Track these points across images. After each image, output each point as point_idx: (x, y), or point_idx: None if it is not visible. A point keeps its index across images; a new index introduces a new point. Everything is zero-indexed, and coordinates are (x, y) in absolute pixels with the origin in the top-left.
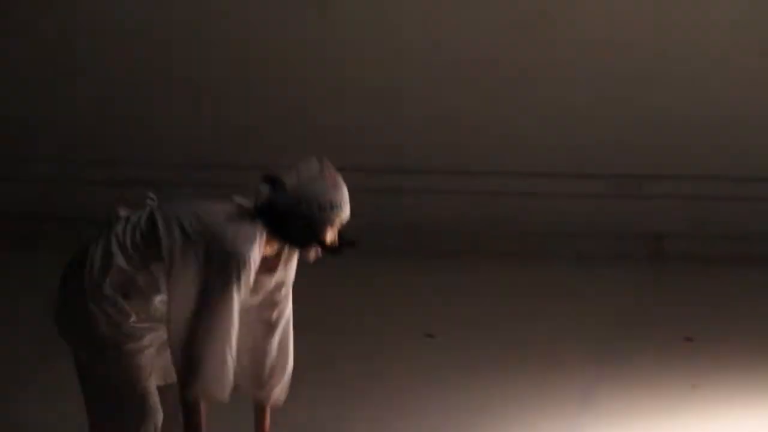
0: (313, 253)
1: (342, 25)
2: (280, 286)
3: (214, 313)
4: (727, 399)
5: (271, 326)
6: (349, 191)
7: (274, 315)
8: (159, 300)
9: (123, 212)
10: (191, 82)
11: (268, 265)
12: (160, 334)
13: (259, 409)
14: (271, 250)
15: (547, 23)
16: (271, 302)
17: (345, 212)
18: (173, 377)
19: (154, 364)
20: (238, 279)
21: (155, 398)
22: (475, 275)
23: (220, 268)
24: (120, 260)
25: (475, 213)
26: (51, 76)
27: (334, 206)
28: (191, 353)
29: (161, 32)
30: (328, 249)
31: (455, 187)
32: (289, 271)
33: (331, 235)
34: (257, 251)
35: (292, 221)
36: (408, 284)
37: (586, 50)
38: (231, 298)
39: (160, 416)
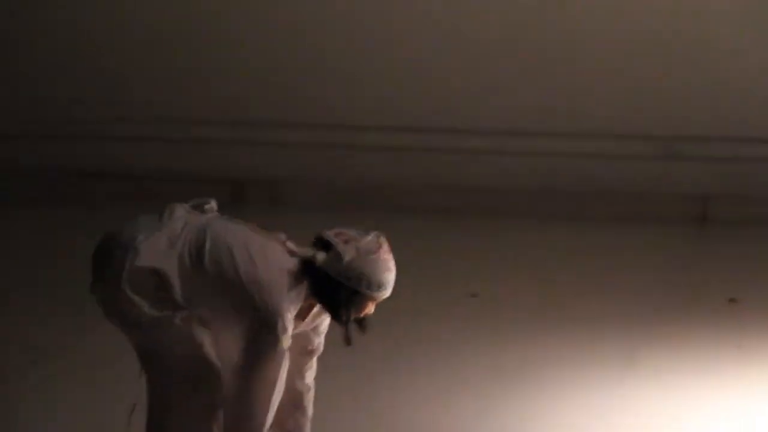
0: (344, 324)
1: None
2: (305, 350)
3: (257, 385)
4: None
5: (300, 396)
6: (399, 152)
7: (306, 382)
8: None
9: (178, 212)
10: None
11: (300, 313)
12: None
13: None
14: (305, 304)
15: None
16: (299, 368)
17: (388, 293)
18: None
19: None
20: (280, 348)
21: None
22: (520, 236)
23: (265, 326)
24: (167, 264)
25: (521, 174)
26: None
27: (382, 287)
28: (235, 410)
29: None
30: (358, 321)
31: (503, 148)
32: (316, 336)
33: (369, 310)
34: (293, 312)
35: (339, 291)
36: (452, 244)
37: (628, 12)
38: (274, 366)
39: None
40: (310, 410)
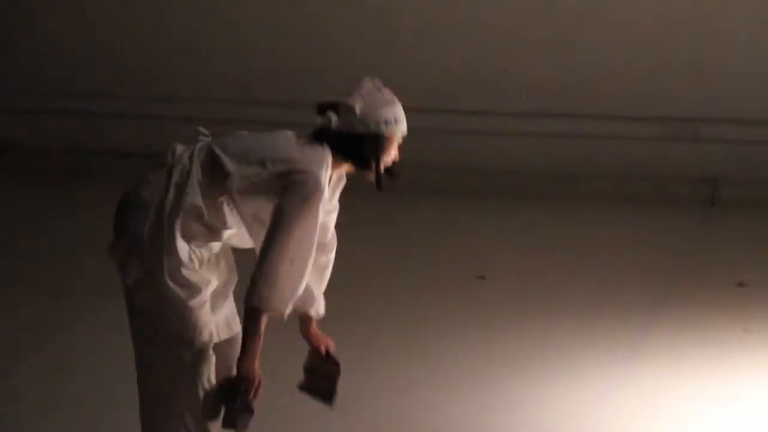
0: (375, 172)
1: None
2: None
3: (295, 236)
4: None
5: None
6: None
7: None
8: (228, 235)
9: (180, 149)
10: None
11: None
12: (216, 284)
13: (307, 320)
14: (334, 174)
15: None
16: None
17: (405, 125)
18: (228, 332)
19: (209, 321)
20: (317, 200)
21: (212, 358)
22: (527, 217)
23: (299, 192)
24: (192, 198)
25: (529, 155)
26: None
27: (397, 120)
28: (273, 268)
29: None
30: (388, 171)
31: (511, 128)
32: (334, 201)
33: (394, 152)
34: (328, 173)
35: (361, 142)
36: (460, 225)
37: None
38: (312, 219)
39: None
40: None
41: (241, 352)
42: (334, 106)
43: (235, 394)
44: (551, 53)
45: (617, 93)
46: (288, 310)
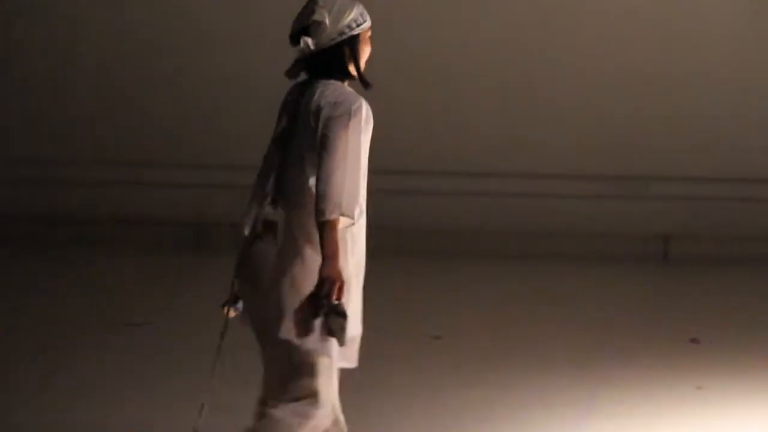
0: (360, 75)
1: None
2: None
3: (341, 150)
4: (732, 401)
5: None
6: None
7: None
8: None
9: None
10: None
11: None
12: None
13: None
14: None
15: (546, 27)
16: None
17: (369, 20)
18: None
19: None
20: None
21: None
22: (480, 277)
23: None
24: None
25: (480, 215)
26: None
27: (364, 14)
28: (337, 183)
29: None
30: (363, 77)
31: (458, 188)
32: None
33: (368, 48)
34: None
35: (340, 52)
36: (414, 286)
37: (590, 51)
38: (354, 136)
39: None
40: None
41: (322, 261)
42: (305, 30)
43: (320, 300)
44: (496, 112)
45: (567, 152)
46: (357, 211)
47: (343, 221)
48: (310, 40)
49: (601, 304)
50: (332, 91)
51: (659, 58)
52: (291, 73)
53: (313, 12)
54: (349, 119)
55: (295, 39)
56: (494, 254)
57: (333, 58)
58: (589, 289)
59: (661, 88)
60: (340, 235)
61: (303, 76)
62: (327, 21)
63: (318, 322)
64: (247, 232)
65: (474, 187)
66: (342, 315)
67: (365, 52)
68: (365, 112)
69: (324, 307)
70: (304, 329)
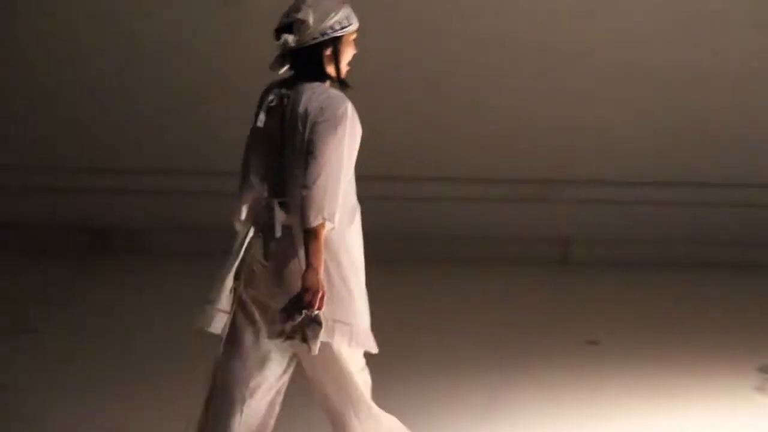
0: (341, 77)
1: None
2: None
3: (329, 155)
4: (627, 402)
5: None
6: None
7: None
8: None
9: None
10: None
11: None
12: None
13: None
14: None
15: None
16: None
17: (356, 21)
18: None
19: None
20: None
21: None
22: (380, 281)
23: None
24: None
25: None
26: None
27: (351, 17)
28: (320, 188)
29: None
30: (342, 79)
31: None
32: None
33: (352, 50)
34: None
35: (319, 51)
36: None
37: (499, 51)
38: (339, 142)
39: None
40: None
41: (306, 268)
42: (289, 27)
43: (301, 307)
44: (402, 114)
45: (468, 155)
46: (337, 216)
47: (327, 226)
48: (291, 37)
49: (499, 306)
50: (318, 94)
51: (561, 59)
52: (273, 66)
53: (298, 10)
54: (336, 125)
55: (278, 34)
56: (393, 258)
57: (313, 57)
58: (488, 292)
59: (558, 92)
60: (339, 235)
61: (285, 73)
62: (311, 20)
63: (291, 325)
64: (239, 228)
65: (378, 191)
66: (319, 324)
67: (347, 54)
68: (351, 115)
69: (302, 315)
70: (281, 331)
